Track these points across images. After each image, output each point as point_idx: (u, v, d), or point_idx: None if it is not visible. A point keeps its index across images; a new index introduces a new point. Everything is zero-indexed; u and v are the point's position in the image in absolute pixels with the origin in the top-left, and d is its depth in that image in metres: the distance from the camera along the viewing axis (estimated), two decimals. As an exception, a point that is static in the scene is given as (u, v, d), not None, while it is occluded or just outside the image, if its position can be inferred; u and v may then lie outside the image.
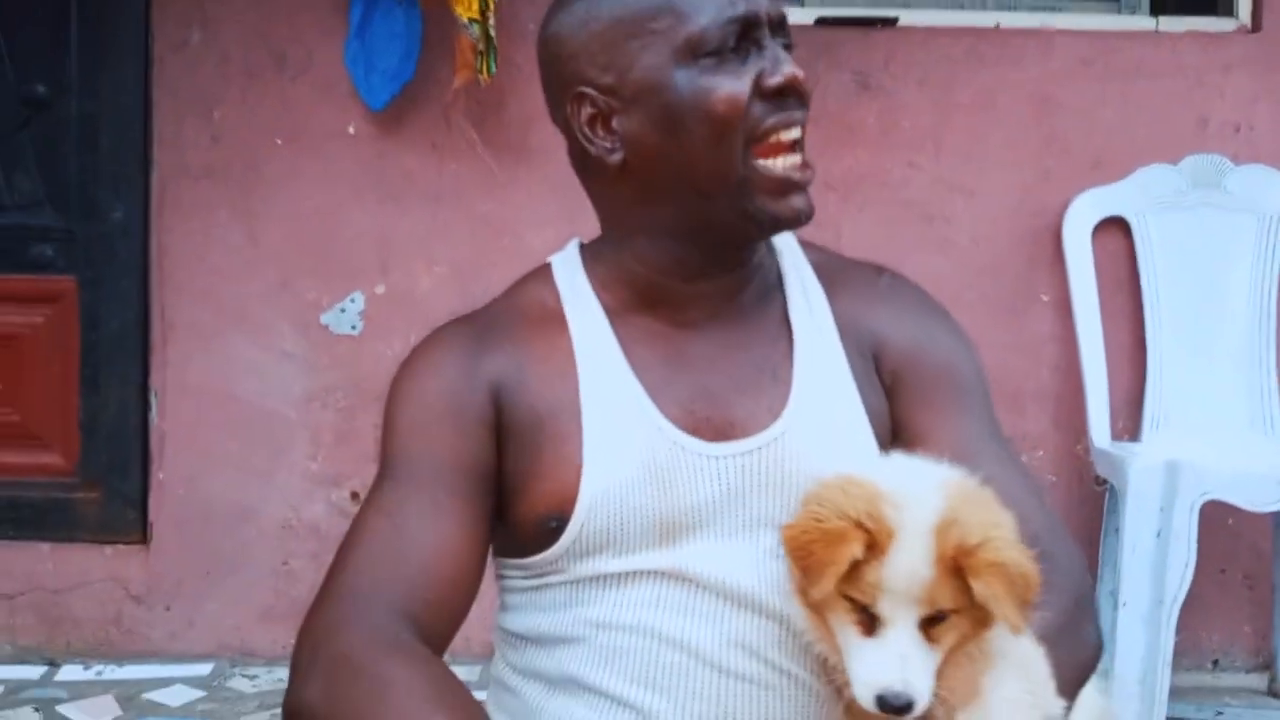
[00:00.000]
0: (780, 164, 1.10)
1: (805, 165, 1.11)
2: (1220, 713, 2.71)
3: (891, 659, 0.95)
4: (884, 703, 0.94)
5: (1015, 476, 1.12)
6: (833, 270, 1.21)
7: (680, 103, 1.08)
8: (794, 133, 1.10)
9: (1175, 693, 2.67)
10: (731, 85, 1.07)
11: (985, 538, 0.94)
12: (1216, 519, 2.69)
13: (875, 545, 0.94)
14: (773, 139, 1.09)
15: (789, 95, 1.09)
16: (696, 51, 1.07)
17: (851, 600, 0.96)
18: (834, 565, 0.94)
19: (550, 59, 1.15)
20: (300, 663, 1.03)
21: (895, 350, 1.17)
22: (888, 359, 1.16)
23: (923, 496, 0.96)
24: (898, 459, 1.06)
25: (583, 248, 1.22)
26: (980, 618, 0.96)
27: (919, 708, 0.94)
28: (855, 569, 0.95)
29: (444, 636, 1.08)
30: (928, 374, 1.16)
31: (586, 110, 1.11)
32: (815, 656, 1.05)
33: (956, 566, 0.94)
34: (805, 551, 0.97)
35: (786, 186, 1.10)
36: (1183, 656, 2.82)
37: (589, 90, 1.11)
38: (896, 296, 1.21)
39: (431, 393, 1.14)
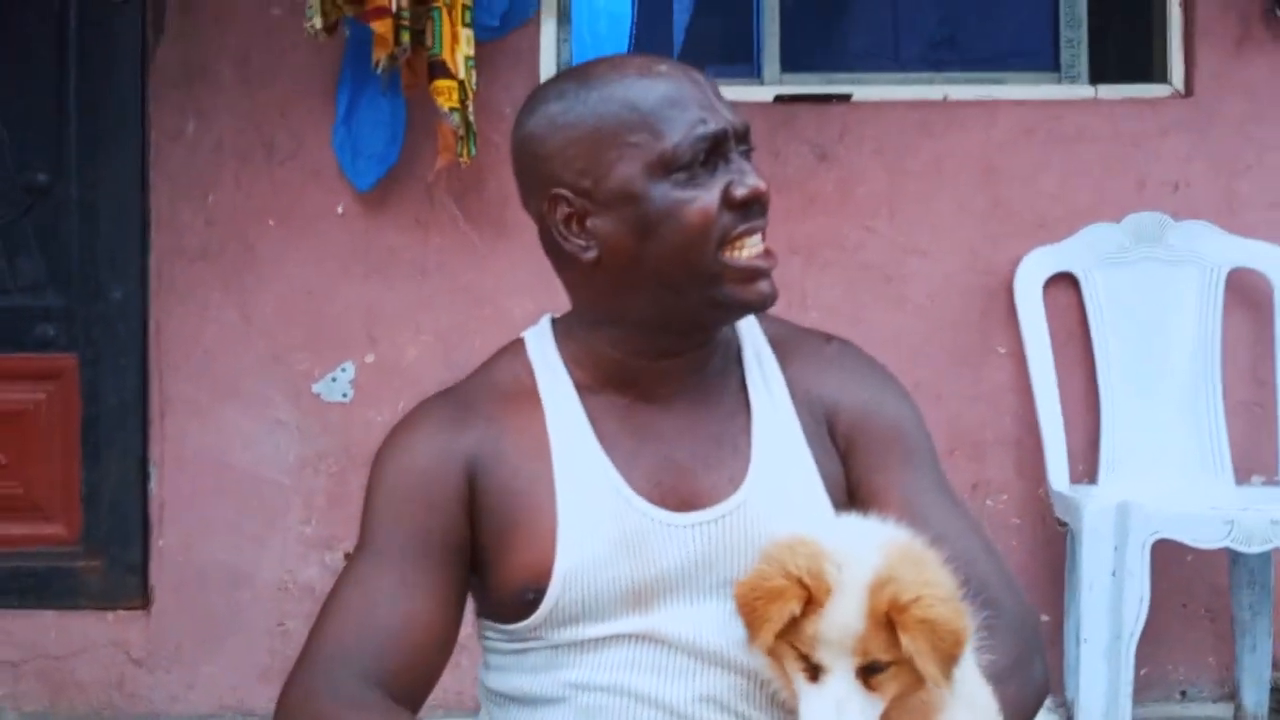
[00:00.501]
0: (746, 254, 1.16)
1: (769, 253, 1.18)
2: (1188, 741, 2.81)
3: (829, 704, 1.02)
4: None
5: (964, 528, 1.20)
6: (786, 340, 1.28)
7: (654, 213, 1.14)
8: (757, 240, 1.17)
9: (1145, 724, 2.78)
10: (702, 199, 1.14)
11: (917, 595, 1.01)
12: (1175, 555, 2.79)
13: (814, 601, 1.02)
14: (739, 244, 1.16)
15: (753, 204, 1.16)
16: (670, 167, 1.13)
17: (798, 649, 1.04)
18: (771, 621, 1.02)
19: (525, 156, 1.20)
20: None
21: (847, 414, 1.23)
22: (841, 423, 1.23)
23: (863, 556, 1.04)
24: (848, 520, 1.13)
25: (554, 323, 1.27)
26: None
27: None
28: (796, 622, 1.02)
29: (415, 702, 1.14)
30: (878, 436, 1.22)
31: (562, 210, 1.16)
32: (779, 701, 1.13)
33: (889, 621, 1.01)
34: (750, 608, 1.04)
35: (754, 274, 1.16)
36: (1152, 689, 2.91)
37: (564, 192, 1.16)
38: (845, 363, 1.27)
39: (406, 472, 1.19)
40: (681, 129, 1.14)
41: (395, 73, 2.70)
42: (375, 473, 1.22)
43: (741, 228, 1.16)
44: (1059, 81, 3.10)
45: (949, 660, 1.01)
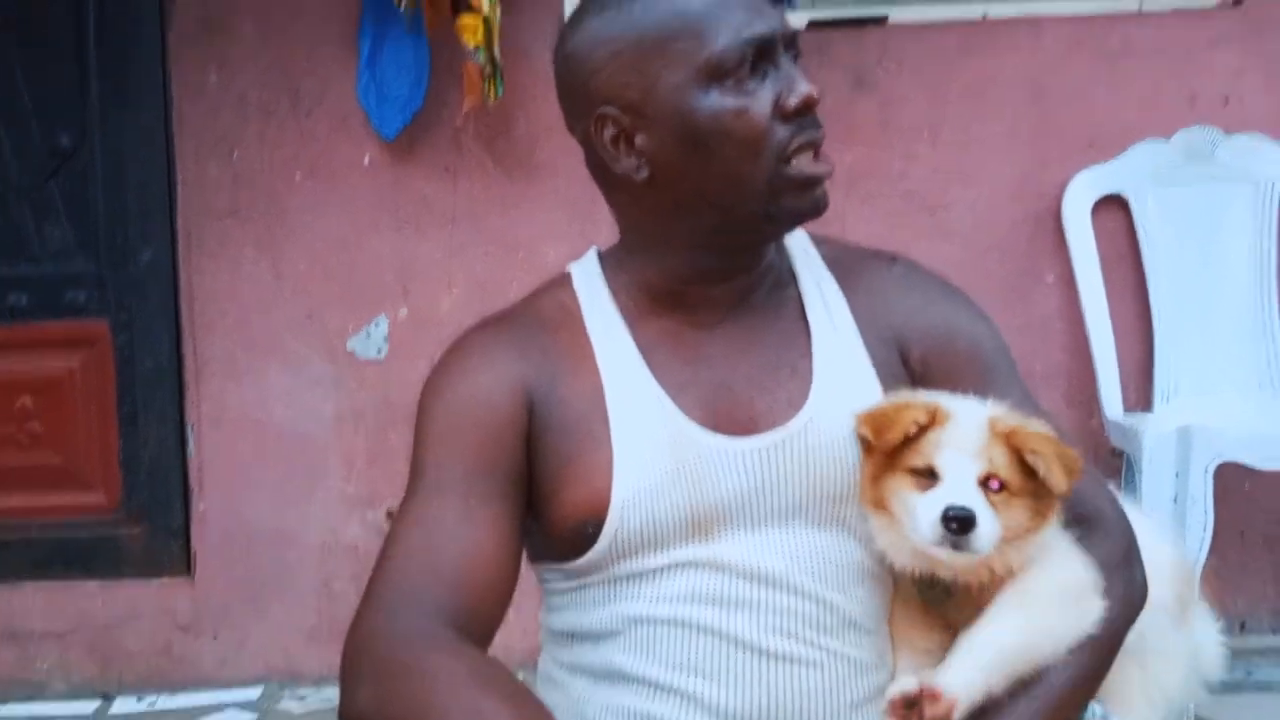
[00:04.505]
0: (805, 163, 1.13)
1: (825, 158, 1.15)
2: (1250, 673, 2.74)
3: (950, 490, 1.05)
4: (947, 518, 1.03)
5: None
6: (846, 263, 1.24)
7: (703, 124, 1.10)
8: (819, 162, 1.14)
9: (1205, 657, 2.72)
10: (752, 108, 1.10)
11: (1032, 427, 1.09)
12: (1233, 484, 2.73)
13: (936, 420, 1.08)
14: (796, 159, 1.12)
15: (806, 113, 1.12)
16: (716, 73, 1.10)
17: (913, 473, 1.08)
18: (901, 423, 1.07)
19: (569, 76, 1.17)
20: (347, 673, 1.06)
21: (920, 339, 1.19)
22: (914, 349, 1.19)
23: (970, 406, 1.10)
24: (934, 396, 1.14)
25: (601, 255, 1.25)
26: (1038, 507, 1.07)
27: (983, 528, 1.03)
28: (920, 435, 1.07)
29: (482, 640, 1.10)
30: (955, 358, 1.19)
31: (610, 130, 1.13)
32: (847, 624, 1.12)
33: (1010, 445, 1.06)
34: (880, 417, 1.09)
35: (811, 183, 1.13)
36: (1210, 621, 2.87)
37: (611, 110, 1.13)
38: (912, 285, 1.23)
39: (463, 400, 1.15)
40: (728, 33, 1.10)
41: (418, 12, 2.64)
42: (428, 404, 1.18)
43: (799, 141, 1.12)
44: (1103, -6, 3.00)
45: (1071, 474, 1.07)
